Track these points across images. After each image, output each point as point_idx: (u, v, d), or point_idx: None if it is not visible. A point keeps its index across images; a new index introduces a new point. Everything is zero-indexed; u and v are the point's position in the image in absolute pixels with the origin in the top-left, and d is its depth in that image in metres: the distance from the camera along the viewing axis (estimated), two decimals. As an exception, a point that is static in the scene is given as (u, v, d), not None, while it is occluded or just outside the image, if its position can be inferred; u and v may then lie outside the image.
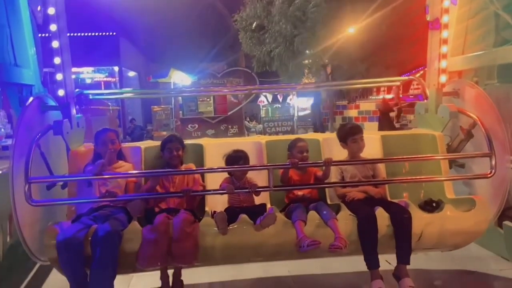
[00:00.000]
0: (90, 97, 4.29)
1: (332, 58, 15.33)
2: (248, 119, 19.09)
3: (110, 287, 2.93)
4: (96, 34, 15.91)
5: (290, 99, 21.24)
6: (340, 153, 3.71)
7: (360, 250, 3.25)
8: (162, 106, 17.32)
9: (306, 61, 15.40)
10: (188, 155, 3.66)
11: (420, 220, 3.27)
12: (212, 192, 3.43)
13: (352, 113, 17.00)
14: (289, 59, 15.19)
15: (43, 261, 3.29)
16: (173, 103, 16.30)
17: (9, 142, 15.04)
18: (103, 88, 17.88)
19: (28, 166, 3.00)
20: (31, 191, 3.00)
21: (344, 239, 3.08)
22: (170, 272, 3.37)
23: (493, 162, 3.34)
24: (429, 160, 3.84)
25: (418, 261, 3.72)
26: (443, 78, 3.89)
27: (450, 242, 3.49)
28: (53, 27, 3.60)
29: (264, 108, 19.25)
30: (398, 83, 5.05)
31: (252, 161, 3.61)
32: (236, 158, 3.48)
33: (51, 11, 3.58)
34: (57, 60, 3.64)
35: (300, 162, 3.35)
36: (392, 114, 11.74)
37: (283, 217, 3.23)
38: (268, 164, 3.57)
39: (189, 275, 3.50)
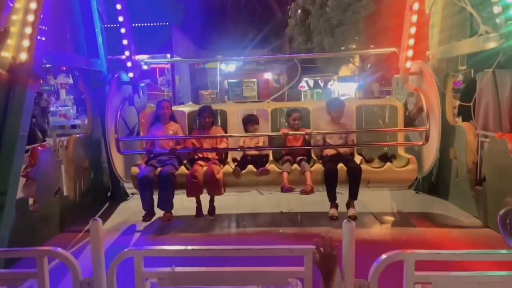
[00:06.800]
0: (145, 67, 6.42)
1: (369, 43, 15.83)
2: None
3: (170, 204, 4.83)
4: (151, 24, 17.48)
5: (331, 85, 21.84)
6: (325, 117, 5.15)
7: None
8: (209, 91, 18.82)
9: (344, 48, 15.99)
10: (216, 117, 5.35)
11: (368, 172, 4.76)
12: (230, 149, 5.13)
13: (396, 98, 17.36)
14: (330, 47, 15.91)
15: (127, 181, 5.28)
16: (218, 88, 17.72)
17: (77, 121, 17.19)
18: (158, 74, 19.67)
19: (117, 129, 4.83)
20: (119, 145, 4.86)
21: (311, 186, 4.60)
22: (205, 203, 5.02)
23: (427, 135, 4.63)
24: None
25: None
26: (409, 64, 4.96)
27: (391, 184, 5.38)
28: (120, 18, 5.39)
29: (305, 94, 20.11)
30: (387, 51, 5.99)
31: (261, 121, 5.21)
32: (249, 119, 5.09)
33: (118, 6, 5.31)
34: (126, 53, 5.33)
35: (290, 132, 4.92)
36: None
37: (275, 169, 4.71)
38: (267, 133, 5.19)
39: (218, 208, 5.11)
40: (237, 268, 1.91)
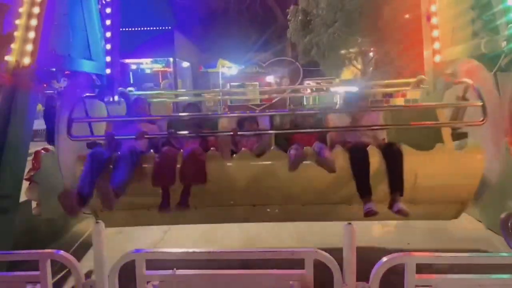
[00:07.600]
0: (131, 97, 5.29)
1: (371, 46, 15.89)
2: (292, 107, 19.94)
3: (124, 184, 3.39)
4: (154, 28, 17.59)
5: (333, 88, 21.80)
6: (344, 119, 3.95)
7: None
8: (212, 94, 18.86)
9: (345, 51, 16.09)
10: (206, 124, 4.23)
11: (413, 158, 3.37)
12: (219, 132, 3.91)
13: (399, 101, 17.23)
14: (328, 48, 15.98)
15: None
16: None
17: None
18: (160, 77, 19.71)
19: (72, 110, 3.64)
20: (72, 129, 3.56)
21: (331, 157, 3.32)
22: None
23: (484, 111, 3.43)
24: (430, 128, 3.78)
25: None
26: (437, 58, 4.47)
27: (449, 186, 3.48)
28: (108, 22, 5.00)
29: (307, 97, 20.10)
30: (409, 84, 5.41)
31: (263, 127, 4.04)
32: (246, 118, 4.06)
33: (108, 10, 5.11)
34: (108, 46, 4.97)
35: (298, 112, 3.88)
36: None
37: (279, 150, 3.58)
38: (271, 112, 4.19)
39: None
40: (239, 271, 1.92)
